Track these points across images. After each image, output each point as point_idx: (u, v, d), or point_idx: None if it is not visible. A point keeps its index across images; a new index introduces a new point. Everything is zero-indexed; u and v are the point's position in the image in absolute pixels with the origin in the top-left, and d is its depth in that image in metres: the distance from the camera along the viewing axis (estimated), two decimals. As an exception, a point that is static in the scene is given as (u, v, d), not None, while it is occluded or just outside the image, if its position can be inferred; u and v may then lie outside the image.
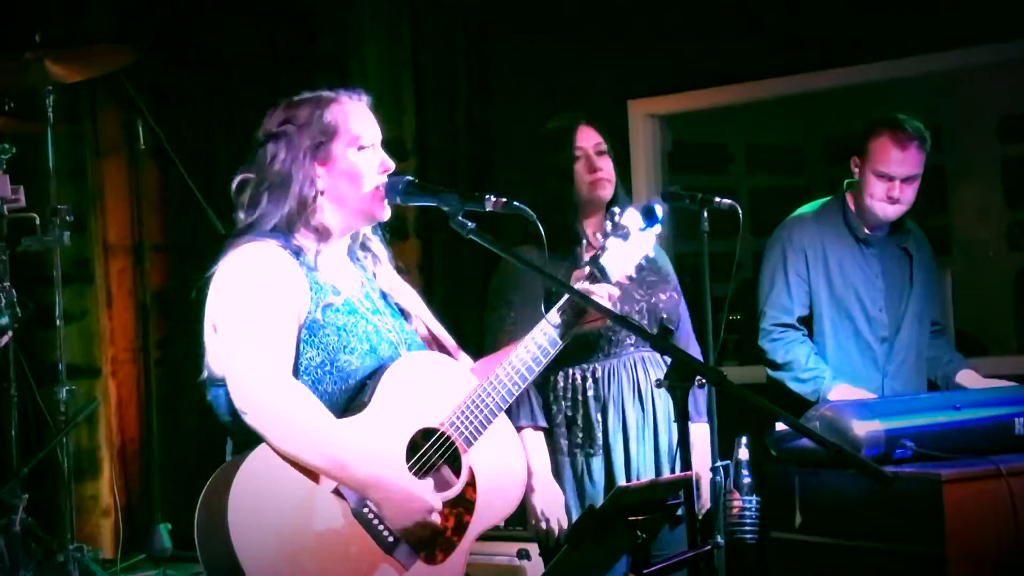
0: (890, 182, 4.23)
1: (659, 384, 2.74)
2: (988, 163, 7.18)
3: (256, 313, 2.67)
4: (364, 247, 2.96)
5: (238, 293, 2.70)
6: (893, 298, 4.37)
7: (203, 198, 5.21)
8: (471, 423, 2.78)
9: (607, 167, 3.86)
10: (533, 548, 4.85)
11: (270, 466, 2.59)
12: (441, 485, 2.77)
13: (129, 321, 6.00)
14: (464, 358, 3.04)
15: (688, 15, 5.72)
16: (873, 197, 4.27)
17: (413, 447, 2.75)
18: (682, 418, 2.72)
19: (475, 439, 2.78)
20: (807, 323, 4.36)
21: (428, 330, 3.01)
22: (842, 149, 4.53)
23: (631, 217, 3.04)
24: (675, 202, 3.95)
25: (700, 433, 3.80)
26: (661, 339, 2.79)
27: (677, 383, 2.69)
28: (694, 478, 2.85)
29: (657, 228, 3.08)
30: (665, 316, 3.81)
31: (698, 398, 3.81)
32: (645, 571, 2.67)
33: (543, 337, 2.87)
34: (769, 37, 5.57)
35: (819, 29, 5.47)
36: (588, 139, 3.87)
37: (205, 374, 2.78)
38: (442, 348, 3.00)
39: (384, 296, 2.94)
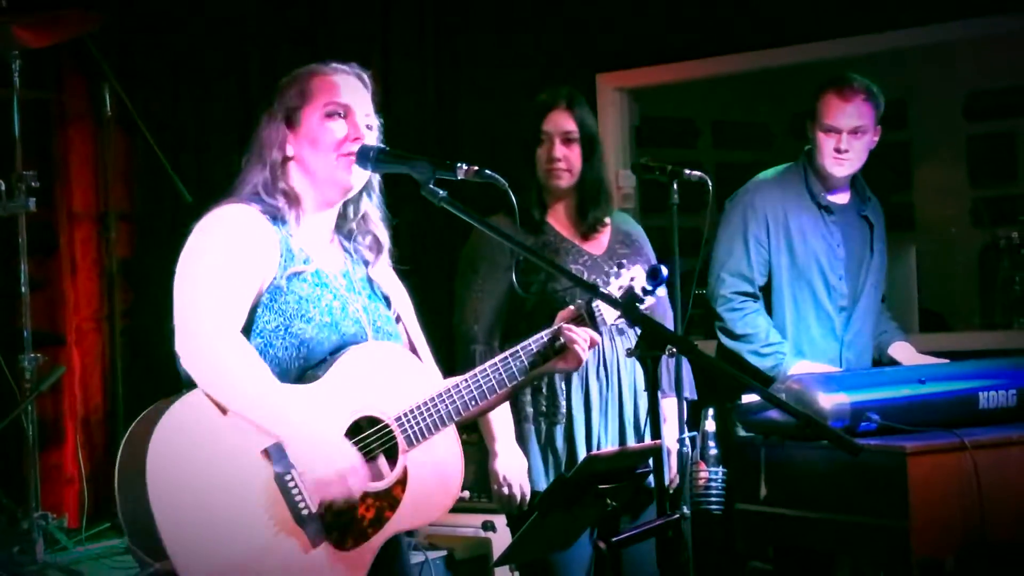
0: (837, 135, 4.25)
1: (629, 353, 2.75)
2: (953, 140, 7.24)
3: (213, 269, 2.69)
4: (367, 232, 2.96)
5: (199, 250, 2.73)
6: (853, 267, 4.38)
7: (170, 167, 5.17)
8: (419, 423, 2.77)
9: (570, 156, 3.84)
10: (498, 520, 4.88)
11: (198, 416, 2.59)
12: (373, 476, 2.74)
13: (93, 290, 5.94)
14: (435, 370, 3.01)
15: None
16: (823, 155, 4.29)
17: (355, 431, 2.74)
18: (652, 388, 2.73)
19: (419, 440, 2.78)
20: (765, 291, 4.36)
21: (407, 332, 3.00)
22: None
23: (636, 274, 2.99)
24: (645, 174, 3.95)
25: (668, 407, 3.82)
26: (631, 309, 2.78)
27: (647, 352, 2.70)
28: (664, 450, 2.86)
29: (661, 291, 3.01)
30: None
31: (671, 372, 3.83)
32: (614, 539, 2.67)
33: (514, 364, 2.86)
34: (738, 12, 5.57)
35: (789, 4, 5.48)
36: (557, 124, 3.85)
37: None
38: (414, 352, 2.98)
39: (369, 281, 2.94)
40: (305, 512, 2.64)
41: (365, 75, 2.94)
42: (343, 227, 2.96)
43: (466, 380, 2.82)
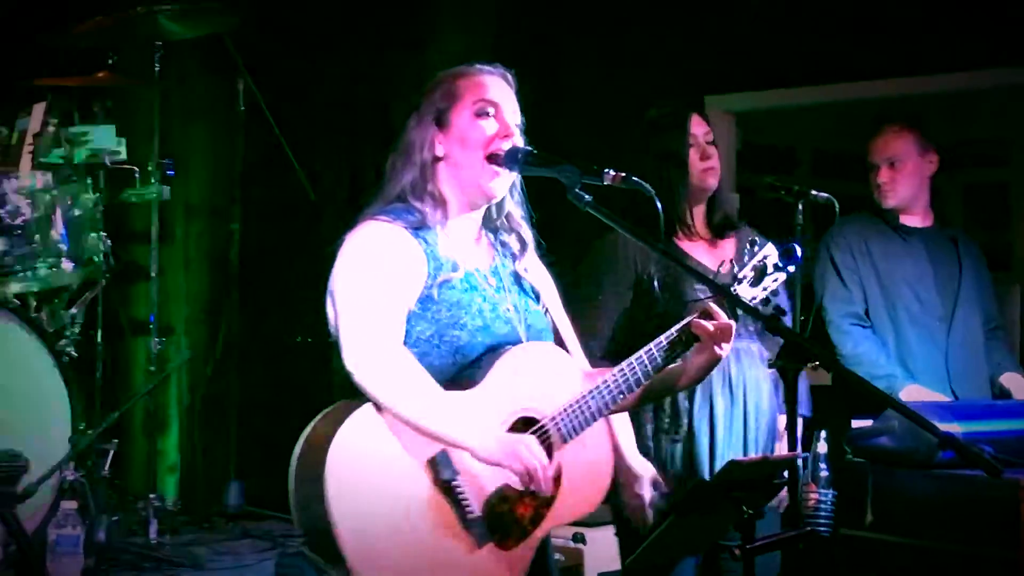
0: (876, 171, 4.48)
1: (771, 364, 2.77)
2: (1053, 180, 7.18)
3: (369, 287, 2.73)
4: (512, 230, 2.98)
5: (353, 269, 2.76)
6: (942, 280, 4.48)
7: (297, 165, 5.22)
8: (571, 422, 2.80)
9: (716, 157, 3.90)
10: (588, 532, 4.91)
11: (371, 427, 2.64)
12: None
13: (204, 283, 6.04)
14: (583, 361, 3.04)
15: (768, 15, 5.77)
16: (873, 190, 4.51)
17: (514, 432, 2.77)
18: (791, 399, 2.75)
19: (571, 437, 2.81)
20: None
21: (552, 322, 3.02)
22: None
23: (769, 252, 2.95)
24: (770, 194, 3.99)
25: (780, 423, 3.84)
26: (774, 321, 2.81)
27: (789, 364, 2.72)
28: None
29: (791, 269, 2.94)
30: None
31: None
32: (748, 546, 2.70)
33: (654, 357, 2.87)
34: (846, 42, 5.61)
35: (895, 37, 5.50)
36: (700, 127, 3.89)
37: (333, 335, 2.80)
38: (560, 342, 3.01)
39: (516, 277, 2.96)
40: (471, 515, 2.70)
41: (509, 75, 2.97)
42: (489, 224, 2.98)
43: (614, 375, 2.84)
